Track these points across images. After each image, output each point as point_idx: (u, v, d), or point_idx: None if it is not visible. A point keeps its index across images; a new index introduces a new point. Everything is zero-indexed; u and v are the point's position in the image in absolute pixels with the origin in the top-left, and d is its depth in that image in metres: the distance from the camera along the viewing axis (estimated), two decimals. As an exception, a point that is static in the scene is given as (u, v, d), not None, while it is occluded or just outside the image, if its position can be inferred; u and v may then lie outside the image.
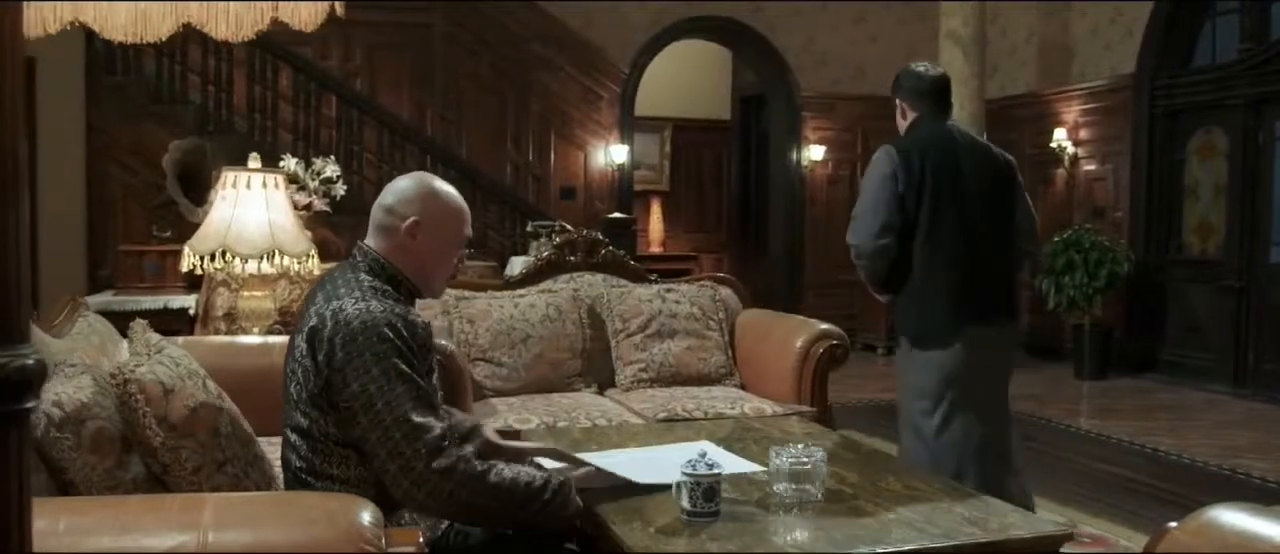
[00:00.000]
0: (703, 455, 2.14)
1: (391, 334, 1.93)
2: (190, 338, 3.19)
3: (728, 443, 2.81)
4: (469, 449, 2.00)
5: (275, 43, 7.38)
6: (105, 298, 5.82)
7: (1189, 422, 6.45)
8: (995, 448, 3.21)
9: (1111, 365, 7.98)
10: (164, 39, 2.86)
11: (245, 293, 3.71)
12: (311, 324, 2.01)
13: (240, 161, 5.60)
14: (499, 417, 3.52)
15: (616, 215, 8.46)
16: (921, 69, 3.40)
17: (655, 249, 11.85)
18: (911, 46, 9.54)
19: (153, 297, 5.75)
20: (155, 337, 2.36)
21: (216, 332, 4.26)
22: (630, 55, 9.20)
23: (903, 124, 3.40)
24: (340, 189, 6.04)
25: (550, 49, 8.92)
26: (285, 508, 1.48)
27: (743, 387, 4.12)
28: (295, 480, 2.09)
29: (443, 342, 3.54)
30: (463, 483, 1.88)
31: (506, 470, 1.95)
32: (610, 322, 4.17)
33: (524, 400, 3.76)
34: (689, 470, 2.12)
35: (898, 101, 3.41)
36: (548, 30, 8.86)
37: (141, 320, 2.45)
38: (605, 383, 4.11)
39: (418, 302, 2.18)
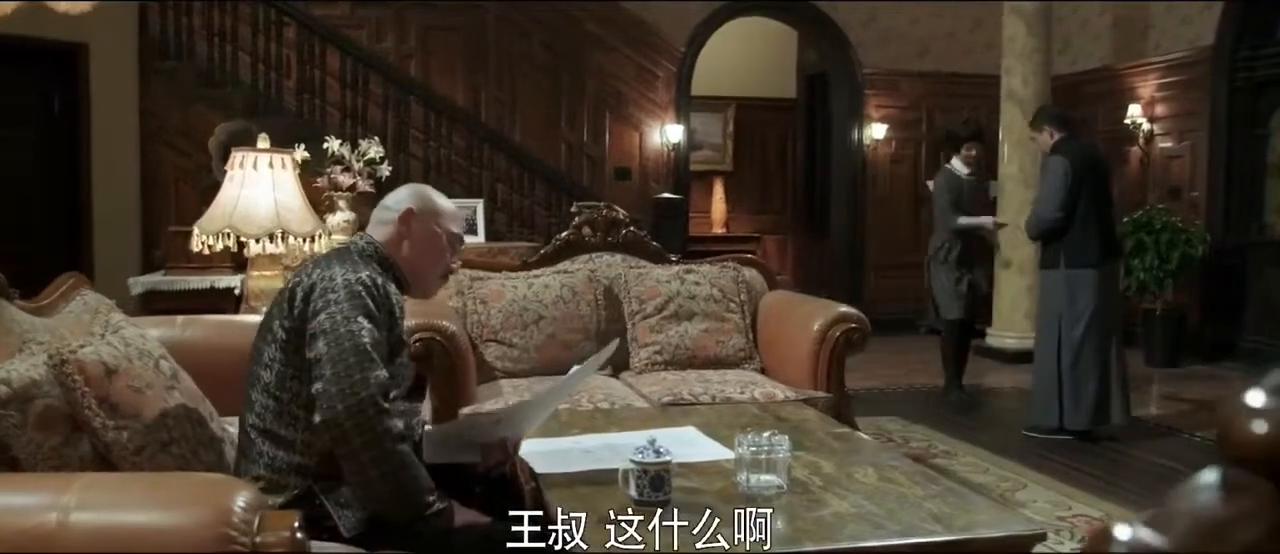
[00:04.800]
0: (652, 442, 2.06)
1: (369, 284, 2.04)
2: (191, 316, 3.20)
3: (716, 429, 2.72)
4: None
5: (327, 25, 7.46)
6: (155, 278, 5.94)
7: (1262, 413, 6.09)
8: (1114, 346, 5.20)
9: (1185, 352, 7.61)
10: (8, 15, 2.88)
11: (255, 272, 3.73)
12: (296, 283, 2.09)
13: (288, 143, 5.68)
14: (504, 398, 3.48)
15: (666, 195, 8.36)
16: (1055, 108, 5.59)
17: (718, 230, 11.70)
18: (976, 21, 9.24)
19: (200, 276, 5.83)
20: (117, 317, 2.37)
21: (259, 311, 4.31)
22: (686, 34, 9.07)
23: (1048, 141, 5.23)
24: (385, 170, 6.07)
25: (605, 28, 8.84)
26: (155, 489, 1.45)
27: (763, 371, 4.01)
28: (245, 438, 2.12)
29: (444, 322, 3.52)
30: (384, 433, 1.92)
31: (417, 459, 1.98)
32: (627, 303, 4.09)
33: (532, 383, 3.70)
34: (637, 458, 2.04)
35: (1044, 127, 5.27)
36: (602, 10, 8.78)
37: (108, 301, 2.46)
38: (621, 366, 4.03)
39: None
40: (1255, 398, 0.48)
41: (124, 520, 1.34)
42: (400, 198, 2.28)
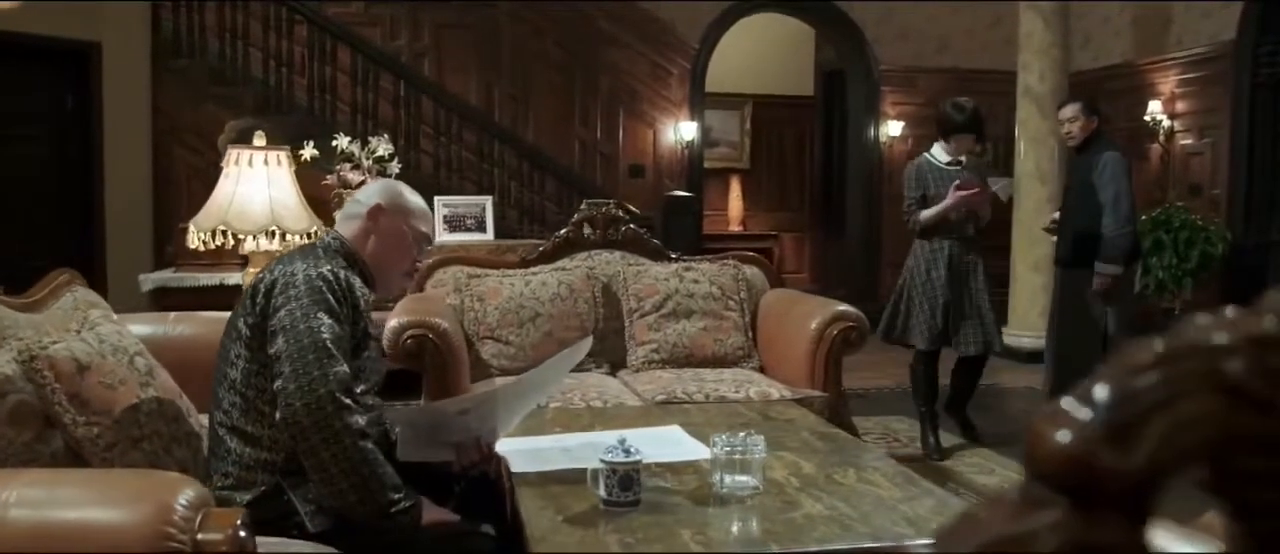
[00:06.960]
0: (622, 441, 2.04)
1: (330, 279, 2.02)
2: (183, 313, 3.21)
3: (703, 429, 2.68)
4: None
5: (338, 23, 7.48)
6: (165, 275, 5.99)
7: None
8: None
9: (1204, 352, 7.48)
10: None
11: (252, 270, 3.74)
12: (259, 280, 2.09)
13: (298, 140, 5.69)
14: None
15: (678, 193, 8.32)
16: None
17: (735, 228, 11.65)
18: (995, 17, 9.14)
19: (209, 273, 5.88)
20: (96, 313, 2.37)
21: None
22: (700, 31, 9.02)
23: (1086, 127, 4.76)
24: (394, 167, 6.08)
25: (618, 26, 8.80)
26: (96, 486, 1.44)
27: (761, 369, 3.97)
28: (215, 436, 2.11)
29: (437, 319, 3.51)
30: (344, 429, 1.89)
31: (381, 456, 1.92)
32: (625, 300, 4.07)
33: (527, 381, 3.68)
34: (607, 458, 2.02)
35: (1094, 115, 4.82)
36: (615, 8, 8.74)
37: (95, 296, 2.47)
38: (619, 364, 4.01)
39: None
40: (1065, 405, 0.45)
41: (62, 517, 1.33)
42: (370, 193, 2.27)
